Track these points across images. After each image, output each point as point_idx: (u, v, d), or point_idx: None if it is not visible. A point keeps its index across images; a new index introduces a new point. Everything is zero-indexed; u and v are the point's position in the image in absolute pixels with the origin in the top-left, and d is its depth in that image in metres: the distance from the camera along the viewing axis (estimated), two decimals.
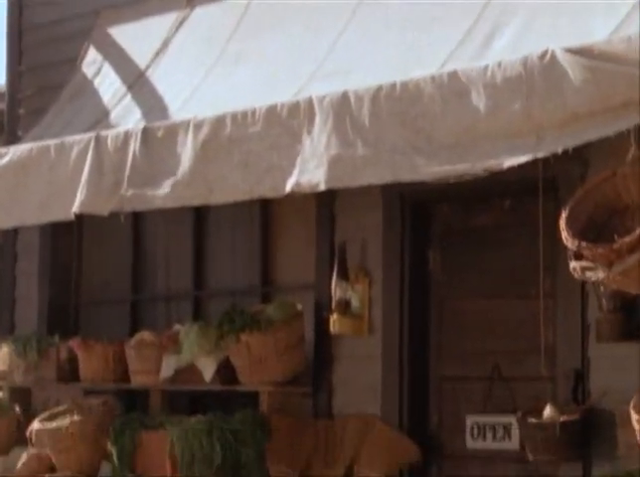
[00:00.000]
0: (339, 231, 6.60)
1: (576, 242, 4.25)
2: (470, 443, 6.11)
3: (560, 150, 4.54)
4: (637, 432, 4.46)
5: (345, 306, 6.38)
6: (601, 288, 5.32)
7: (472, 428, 6.09)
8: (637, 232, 4.13)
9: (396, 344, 6.31)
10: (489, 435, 6.03)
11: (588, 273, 4.25)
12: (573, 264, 4.30)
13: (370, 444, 6.28)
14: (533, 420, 5.47)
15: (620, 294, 5.25)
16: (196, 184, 5.64)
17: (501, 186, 5.76)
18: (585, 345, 5.54)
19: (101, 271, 7.92)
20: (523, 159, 4.62)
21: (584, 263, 4.23)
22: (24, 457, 6.85)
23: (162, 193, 5.72)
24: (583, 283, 5.45)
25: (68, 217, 6.06)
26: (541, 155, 4.60)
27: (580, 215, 4.45)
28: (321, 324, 6.51)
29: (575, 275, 4.36)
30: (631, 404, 4.51)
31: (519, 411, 5.62)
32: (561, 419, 5.35)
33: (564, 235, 4.33)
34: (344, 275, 6.42)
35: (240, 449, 6.17)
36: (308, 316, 6.57)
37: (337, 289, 6.39)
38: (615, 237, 4.20)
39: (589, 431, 5.41)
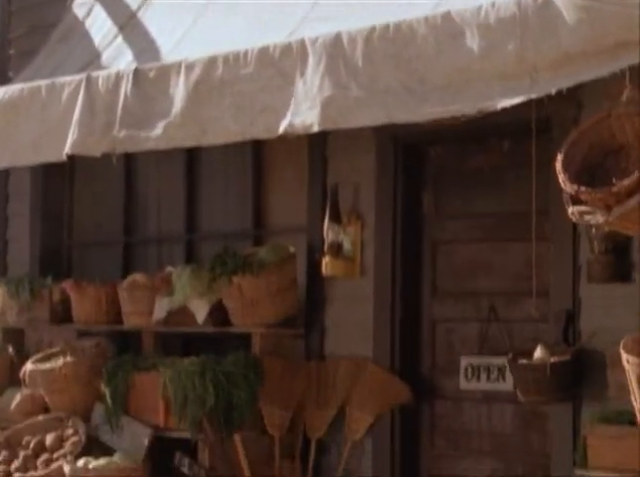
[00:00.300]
0: (331, 173, 6.60)
1: (575, 187, 4.23)
2: (464, 384, 6.15)
3: (553, 91, 4.52)
4: (627, 372, 4.49)
5: (337, 249, 6.39)
6: (593, 230, 5.34)
7: (466, 369, 6.13)
8: (636, 175, 4.12)
9: (387, 286, 6.34)
10: (483, 376, 6.06)
11: (587, 217, 4.24)
12: (572, 209, 4.28)
13: (361, 386, 6.33)
14: (523, 362, 5.50)
15: (612, 236, 5.27)
16: (188, 125, 5.62)
17: (495, 128, 5.75)
18: (577, 286, 5.56)
19: (93, 213, 7.92)
20: (516, 100, 4.60)
21: (583, 208, 4.22)
22: (17, 398, 6.89)
23: (154, 134, 5.70)
24: (575, 225, 5.46)
25: (60, 158, 6.04)
26: (534, 96, 4.58)
27: (575, 156, 4.43)
28: (313, 266, 6.53)
29: (574, 219, 4.35)
30: (621, 344, 4.53)
31: (510, 353, 5.65)
32: (552, 360, 5.38)
33: (561, 178, 4.31)
34: (336, 218, 6.43)
35: (233, 391, 6.20)
36: (300, 259, 6.59)
37: (329, 232, 6.40)
38: (614, 180, 4.19)
39: (580, 372, 5.45)
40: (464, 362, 6.15)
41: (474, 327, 6.19)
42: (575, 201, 4.30)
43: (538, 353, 5.50)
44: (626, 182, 4.10)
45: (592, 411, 5.32)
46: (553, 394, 5.44)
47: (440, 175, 6.41)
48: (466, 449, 6.18)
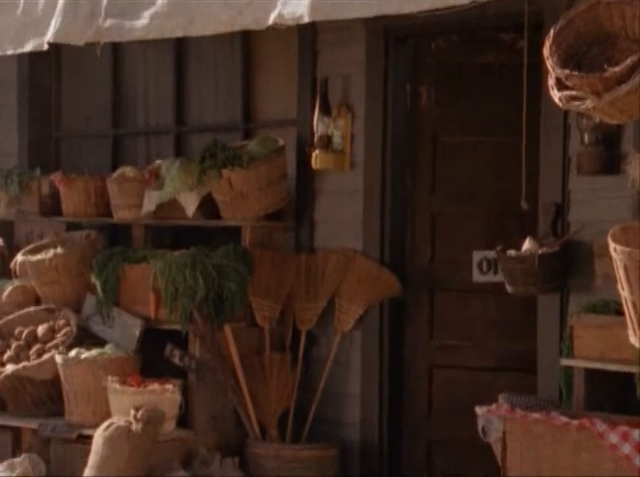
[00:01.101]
0: (321, 66, 6.55)
1: (566, 71, 4.20)
2: (478, 277, 6.13)
3: None
4: (614, 261, 4.51)
5: (327, 141, 6.37)
6: (584, 121, 5.32)
7: (480, 263, 6.13)
8: (628, 61, 4.10)
9: (377, 179, 6.34)
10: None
11: (576, 103, 4.22)
12: (560, 94, 4.26)
13: (351, 278, 6.37)
14: (512, 253, 5.54)
15: (602, 128, 5.26)
16: (175, 15, 5.53)
17: (488, 20, 5.71)
18: (566, 178, 5.57)
19: (81, 105, 7.85)
20: None
21: (573, 93, 4.20)
22: (8, 289, 6.91)
23: (141, 24, 5.61)
24: (566, 116, 5.45)
25: (41, 47, 5.94)
26: None
27: (562, 44, 4.39)
28: (303, 160, 6.52)
29: (560, 105, 4.32)
30: (609, 234, 4.55)
31: (499, 246, 5.68)
32: (540, 252, 5.42)
33: (549, 63, 4.28)
34: (326, 111, 6.40)
35: (223, 283, 6.24)
36: (290, 152, 6.58)
37: (319, 125, 6.38)
38: (605, 66, 4.17)
39: (568, 263, 5.49)
40: (477, 256, 6.16)
41: (476, 221, 6.20)
42: (561, 87, 4.28)
43: (526, 245, 5.54)
44: (618, 68, 4.09)
45: (579, 302, 5.37)
46: (540, 285, 5.49)
47: (432, 68, 6.37)
48: (465, 340, 6.25)
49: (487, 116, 6.17)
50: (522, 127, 5.31)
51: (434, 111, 6.38)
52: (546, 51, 4.32)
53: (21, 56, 7.48)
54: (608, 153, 5.34)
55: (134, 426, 5.80)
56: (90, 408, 6.21)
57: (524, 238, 5.69)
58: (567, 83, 4.23)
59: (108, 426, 5.85)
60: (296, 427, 6.40)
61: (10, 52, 6.20)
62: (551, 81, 4.31)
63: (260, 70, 7.04)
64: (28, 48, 6.06)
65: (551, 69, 4.27)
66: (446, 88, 6.35)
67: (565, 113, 5.40)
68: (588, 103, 4.12)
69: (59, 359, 6.31)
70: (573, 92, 4.17)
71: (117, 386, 6.06)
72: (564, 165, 5.56)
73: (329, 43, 6.51)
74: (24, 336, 6.62)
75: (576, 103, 4.18)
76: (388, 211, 6.35)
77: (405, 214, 6.41)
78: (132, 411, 5.87)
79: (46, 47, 5.87)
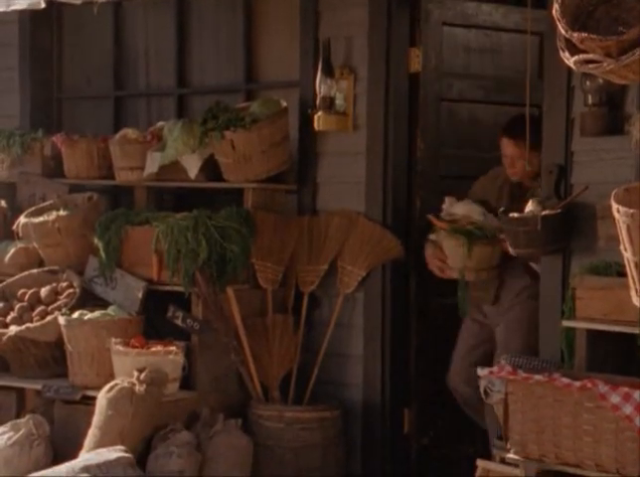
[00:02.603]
0: (323, 27, 6.51)
1: (583, 34, 4.16)
2: None
3: None
4: (617, 222, 4.50)
5: (329, 103, 6.36)
6: (587, 83, 5.29)
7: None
8: None
9: (380, 141, 6.32)
10: None
11: (590, 66, 4.19)
12: (573, 58, 4.22)
13: (353, 240, 6.37)
14: (514, 215, 5.53)
15: (605, 89, 5.23)
16: None
17: None
18: (569, 140, 5.54)
19: (83, 67, 7.83)
20: None
21: (589, 56, 4.16)
22: (11, 251, 6.91)
23: None
24: (570, 77, 5.42)
25: (38, 6, 5.89)
26: None
27: (570, 5, 4.37)
28: (306, 121, 6.50)
29: (574, 68, 4.28)
30: (612, 195, 4.54)
31: (502, 208, 5.68)
32: (543, 213, 5.41)
33: (561, 25, 4.24)
34: (329, 72, 6.37)
35: (226, 245, 6.24)
36: (293, 113, 6.56)
37: (321, 86, 6.36)
38: (620, 28, 4.14)
39: (570, 225, 5.48)
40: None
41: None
42: (572, 49, 4.26)
43: (529, 206, 5.53)
44: (635, 30, 4.05)
45: (581, 264, 5.37)
46: (543, 246, 5.48)
47: (436, 29, 6.34)
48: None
49: (493, 80, 6.15)
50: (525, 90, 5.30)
51: (439, 74, 6.35)
52: (555, 13, 4.28)
53: (22, 17, 7.48)
54: (612, 114, 5.30)
55: (137, 388, 5.81)
56: (94, 370, 6.23)
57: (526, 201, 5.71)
58: (580, 46, 4.19)
59: (112, 388, 5.87)
60: (299, 389, 6.42)
61: (2, 9, 6.13)
62: (560, 44, 4.28)
63: (263, 31, 7.01)
64: (23, 6, 6.00)
65: (563, 31, 4.23)
66: (451, 51, 6.31)
67: (569, 75, 5.38)
68: (605, 66, 4.09)
69: (62, 320, 6.32)
70: (589, 56, 4.14)
71: (120, 347, 6.08)
72: (568, 126, 5.54)
73: (331, 4, 6.47)
74: (27, 298, 6.63)
75: (591, 66, 4.15)
76: (390, 172, 6.34)
77: (411, 176, 6.39)
78: (135, 373, 5.89)
79: (43, 5, 5.82)
